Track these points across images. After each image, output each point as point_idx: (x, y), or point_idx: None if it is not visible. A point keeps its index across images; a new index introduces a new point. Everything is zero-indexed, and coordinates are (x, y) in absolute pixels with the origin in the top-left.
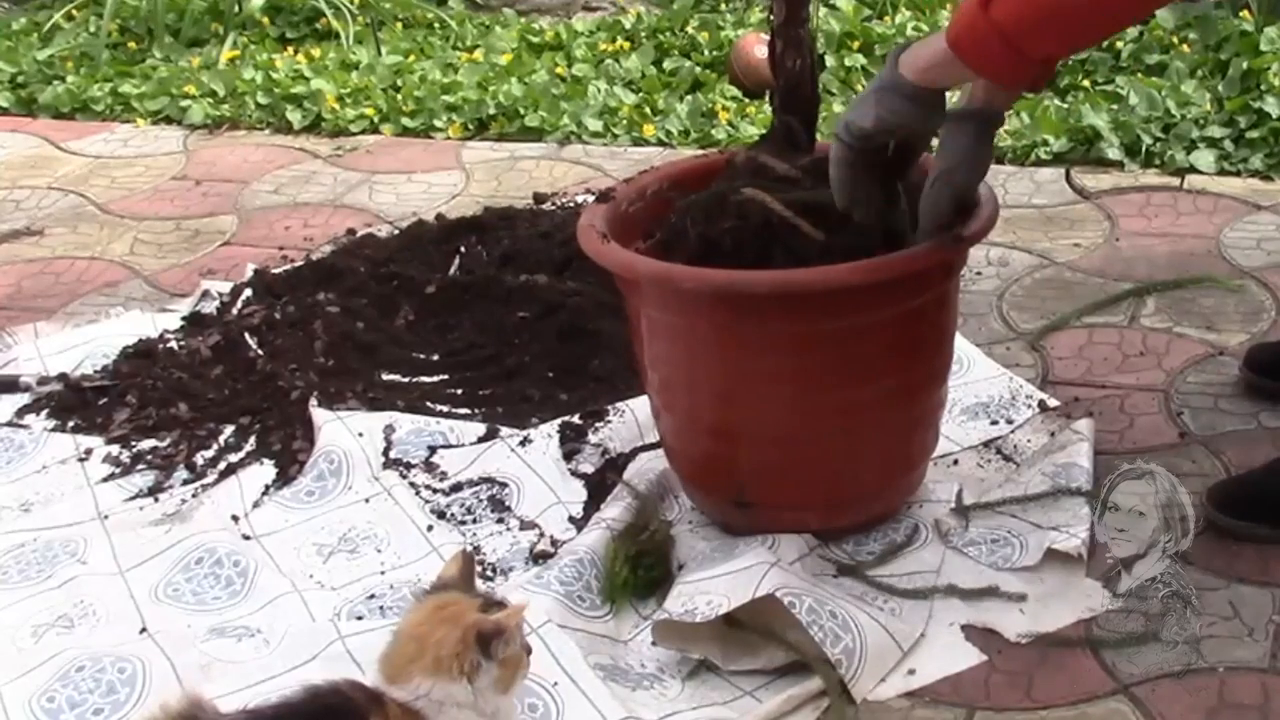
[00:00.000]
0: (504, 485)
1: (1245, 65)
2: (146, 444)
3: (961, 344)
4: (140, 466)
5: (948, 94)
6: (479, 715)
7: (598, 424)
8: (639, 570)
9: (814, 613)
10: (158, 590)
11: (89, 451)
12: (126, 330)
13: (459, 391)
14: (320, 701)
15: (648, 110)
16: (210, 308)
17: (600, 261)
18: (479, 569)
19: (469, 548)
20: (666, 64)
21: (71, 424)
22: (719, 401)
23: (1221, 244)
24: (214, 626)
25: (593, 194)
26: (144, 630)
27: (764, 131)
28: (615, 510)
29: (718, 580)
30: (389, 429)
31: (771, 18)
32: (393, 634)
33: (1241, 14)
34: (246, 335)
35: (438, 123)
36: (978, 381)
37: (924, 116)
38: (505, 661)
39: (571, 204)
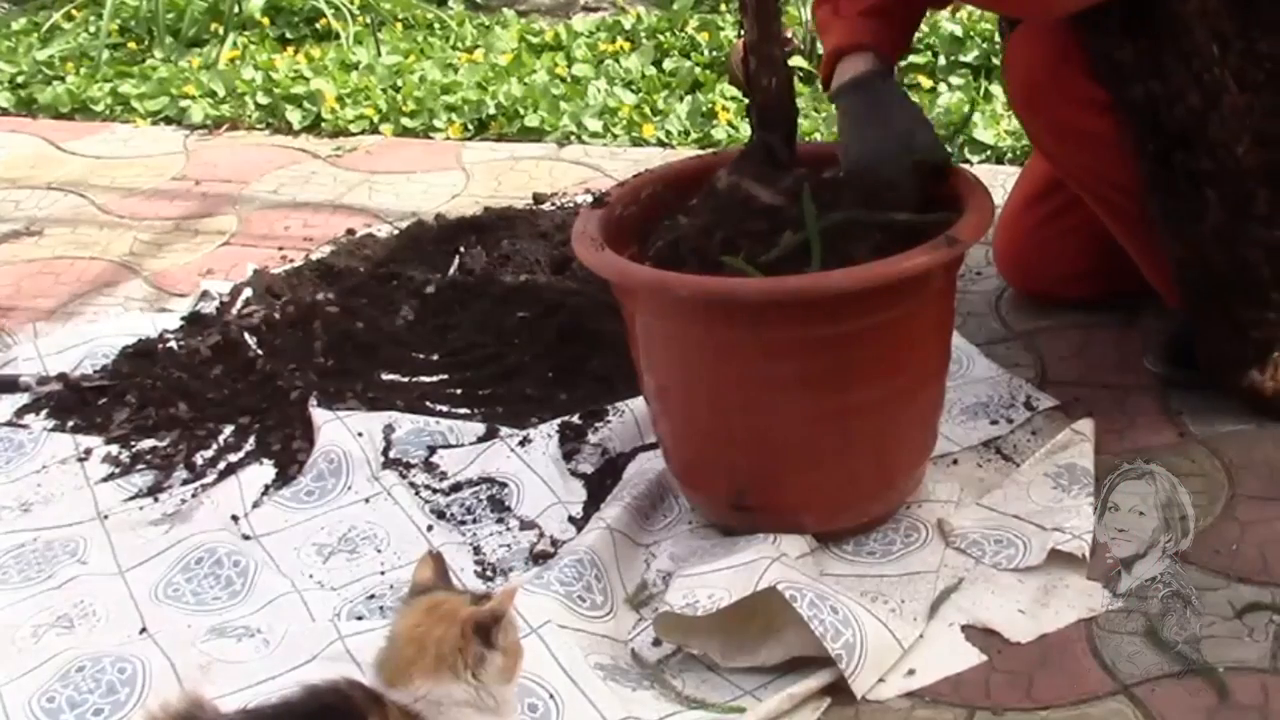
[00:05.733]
0: (504, 485)
1: None
2: (146, 444)
3: (961, 344)
4: (140, 466)
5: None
6: (481, 711)
7: (598, 424)
8: None
9: (815, 607)
10: (158, 590)
11: (89, 451)
12: (126, 330)
13: (459, 391)
14: (320, 701)
15: (647, 110)
16: (210, 308)
17: (596, 270)
18: (479, 569)
19: (470, 547)
20: (666, 64)
21: (71, 424)
22: (715, 407)
23: None
24: (214, 626)
25: (592, 194)
26: (144, 630)
27: (743, 148)
28: (615, 510)
29: (719, 574)
30: (388, 429)
31: (743, 34)
32: (387, 639)
33: None
34: (246, 335)
35: (438, 123)
36: (977, 381)
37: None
38: (506, 650)
39: (571, 204)
